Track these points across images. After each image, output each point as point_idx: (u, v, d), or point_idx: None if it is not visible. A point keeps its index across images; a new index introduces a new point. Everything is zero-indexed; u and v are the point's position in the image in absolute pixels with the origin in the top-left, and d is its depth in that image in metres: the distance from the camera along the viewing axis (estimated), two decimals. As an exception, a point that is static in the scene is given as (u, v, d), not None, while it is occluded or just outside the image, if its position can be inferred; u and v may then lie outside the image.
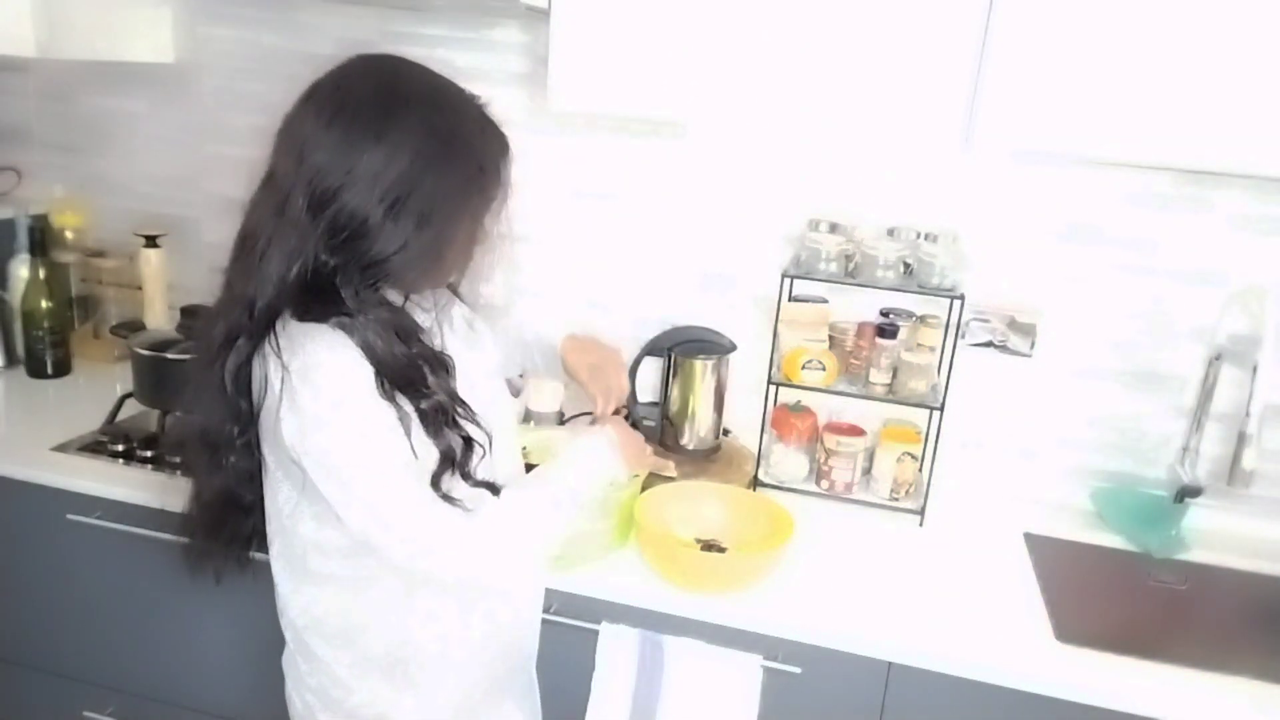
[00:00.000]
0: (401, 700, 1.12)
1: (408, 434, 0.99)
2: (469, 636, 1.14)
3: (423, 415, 1.01)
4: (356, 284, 0.99)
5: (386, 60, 1.04)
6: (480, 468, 1.06)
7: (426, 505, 1.00)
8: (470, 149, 1.02)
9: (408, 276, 1.02)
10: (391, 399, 0.98)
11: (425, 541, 1.01)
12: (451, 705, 1.15)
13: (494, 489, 1.06)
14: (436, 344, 1.08)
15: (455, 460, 1.03)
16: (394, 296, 1.05)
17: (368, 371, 0.98)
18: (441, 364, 1.06)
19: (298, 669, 1.16)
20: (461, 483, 1.04)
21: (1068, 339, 1.69)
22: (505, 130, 1.07)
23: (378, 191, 0.96)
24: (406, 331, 1.03)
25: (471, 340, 1.20)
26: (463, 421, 1.05)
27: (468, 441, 1.05)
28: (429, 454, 1.01)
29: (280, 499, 1.08)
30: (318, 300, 0.98)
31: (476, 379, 1.13)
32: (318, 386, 0.96)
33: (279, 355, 0.97)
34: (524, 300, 1.91)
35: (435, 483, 1.01)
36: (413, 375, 1.01)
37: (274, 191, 1.00)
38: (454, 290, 1.23)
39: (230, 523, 1.15)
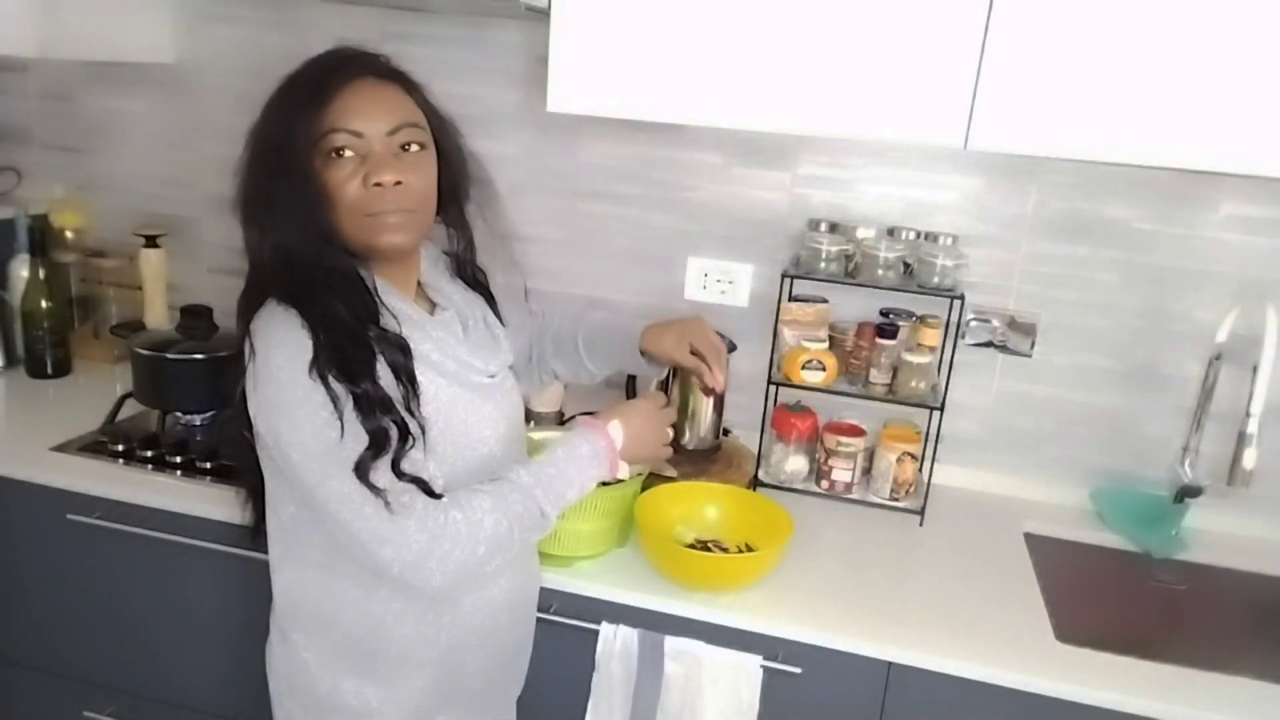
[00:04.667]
0: (363, 693, 1.11)
1: (341, 417, 0.96)
2: (437, 639, 1.12)
3: (357, 399, 0.98)
4: (310, 258, 1.02)
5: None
6: (410, 461, 1.01)
7: (357, 498, 0.97)
8: (298, 80, 1.05)
9: (257, 215, 1.05)
10: (324, 380, 0.96)
11: (357, 534, 0.98)
12: (413, 706, 1.13)
13: (424, 486, 1.01)
14: (417, 339, 1.06)
15: (384, 447, 0.98)
16: (382, 285, 1.07)
17: (310, 352, 0.97)
18: (398, 349, 1.04)
19: (273, 652, 1.18)
20: (388, 472, 0.99)
21: (1068, 339, 1.69)
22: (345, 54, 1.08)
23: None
24: (360, 312, 1.02)
25: (479, 339, 1.17)
26: (402, 411, 1.01)
27: (403, 431, 1.00)
28: (360, 438, 0.97)
29: (269, 480, 1.10)
30: (279, 279, 1.02)
31: (464, 375, 1.12)
32: (271, 367, 0.98)
33: (251, 338, 1.01)
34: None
35: (360, 467, 0.97)
36: (353, 357, 0.99)
37: None
38: (485, 291, 1.25)
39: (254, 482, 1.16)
